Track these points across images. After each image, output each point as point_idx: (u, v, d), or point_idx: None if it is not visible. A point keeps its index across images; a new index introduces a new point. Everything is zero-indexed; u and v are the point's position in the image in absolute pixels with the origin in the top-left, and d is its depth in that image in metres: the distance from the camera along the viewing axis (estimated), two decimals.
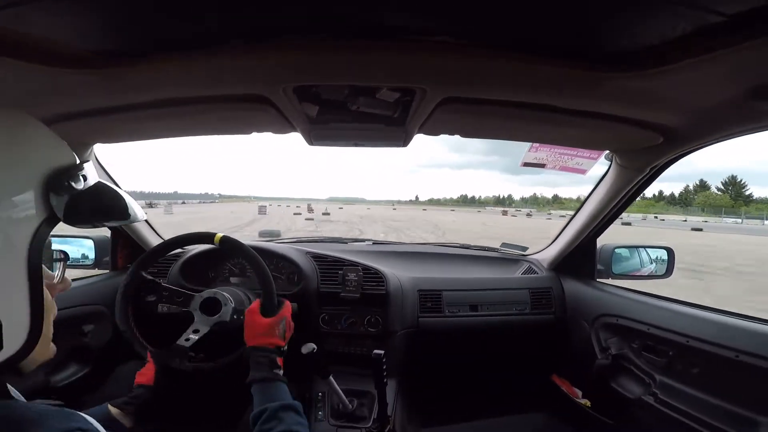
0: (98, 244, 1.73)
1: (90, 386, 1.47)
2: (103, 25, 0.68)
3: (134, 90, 0.90)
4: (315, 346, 1.16)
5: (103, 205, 0.64)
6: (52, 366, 1.40)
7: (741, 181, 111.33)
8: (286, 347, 1.06)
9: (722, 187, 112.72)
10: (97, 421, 0.90)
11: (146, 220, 1.77)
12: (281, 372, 0.99)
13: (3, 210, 0.48)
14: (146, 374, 1.08)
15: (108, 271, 1.74)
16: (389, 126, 1.10)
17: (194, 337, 1.15)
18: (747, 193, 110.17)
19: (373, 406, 1.41)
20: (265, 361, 0.98)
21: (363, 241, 2.27)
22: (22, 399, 0.59)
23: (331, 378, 1.25)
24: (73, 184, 0.56)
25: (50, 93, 0.88)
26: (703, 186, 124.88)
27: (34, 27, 0.66)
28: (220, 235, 1.22)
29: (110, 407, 0.96)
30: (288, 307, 1.12)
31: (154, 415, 1.06)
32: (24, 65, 0.72)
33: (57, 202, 0.54)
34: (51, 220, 0.53)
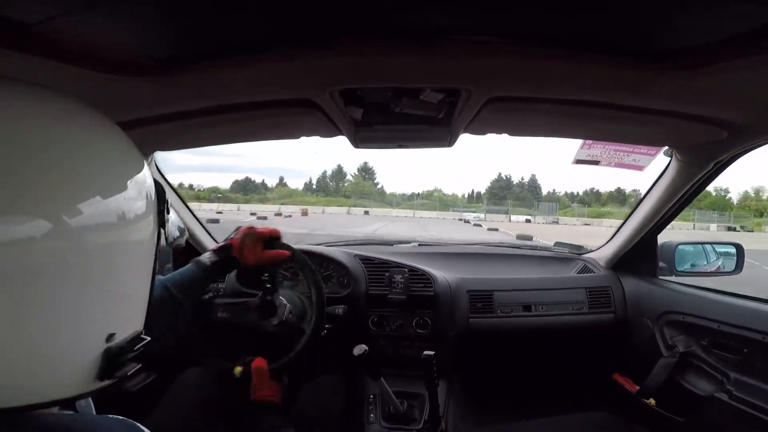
0: (159, 252, 1.82)
1: (158, 391, 1.51)
2: (158, 32, 0.70)
3: (188, 97, 0.92)
4: (366, 348, 1.18)
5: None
6: None
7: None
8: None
9: None
10: (185, 281, 0.97)
11: (203, 225, 1.84)
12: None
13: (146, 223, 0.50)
14: (253, 254, 1.10)
15: None
16: (434, 126, 1.09)
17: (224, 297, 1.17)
18: None
19: (424, 407, 1.42)
20: (272, 413, 1.03)
21: (409, 242, 2.27)
22: (92, 410, 0.60)
23: (382, 379, 1.25)
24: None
25: (109, 101, 0.88)
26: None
27: (93, 35, 0.67)
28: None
29: None
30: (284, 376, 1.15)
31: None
32: (83, 72, 0.73)
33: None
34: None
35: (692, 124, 1.01)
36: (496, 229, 25.10)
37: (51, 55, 0.67)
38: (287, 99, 0.96)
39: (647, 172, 1.51)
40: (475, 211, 47.22)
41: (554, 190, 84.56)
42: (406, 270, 1.66)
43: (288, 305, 1.25)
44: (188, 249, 1.83)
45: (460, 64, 0.78)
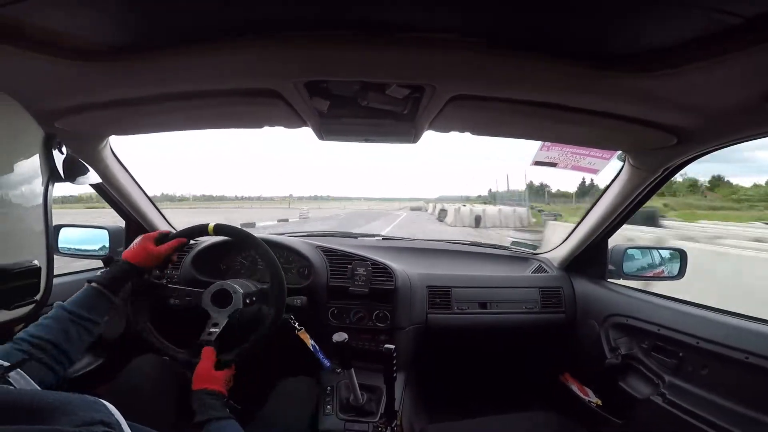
0: (112, 235, 1.74)
1: (104, 377, 1.48)
2: (116, 18, 0.70)
3: (147, 83, 0.91)
4: (346, 336, 1.19)
5: None
6: None
7: None
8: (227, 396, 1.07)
9: None
10: (84, 299, 0.97)
11: (159, 210, 1.82)
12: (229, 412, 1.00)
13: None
14: (144, 253, 1.13)
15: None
16: (399, 122, 1.11)
17: (216, 330, 1.17)
18: None
19: (380, 400, 1.41)
20: (217, 402, 0.99)
21: (373, 236, 2.27)
22: (31, 384, 0.60)
23: (352, 370, 1.26)
24: None
25: (65, 85, 0.89)
26: None
27: (50, 20, 0.67)
28: (212, 225, 1.25)
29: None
30: (232, 370, 1.14)
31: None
32: (40, 57, 0.73)
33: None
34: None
35: (644, 129, 1.03)
36: None
37: (5, 41, 0.67)
38: (250, 89, 0.95)
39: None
40: None
41: None
42: (368, 263, 1.65)
43: (245, 294, 1.24)
44: (143, 233, 1.76)
45: (424, 60, 0.79)
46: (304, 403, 1.32)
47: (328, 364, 1.35)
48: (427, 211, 48.54)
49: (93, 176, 0.76)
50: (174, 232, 1.28)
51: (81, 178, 0.69)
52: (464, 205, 33.09)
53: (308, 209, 41.42)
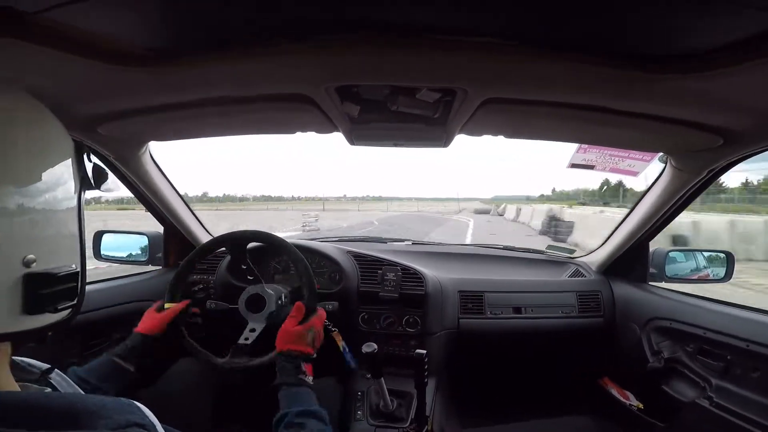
0: (152, 241, 1.78)
1: (144, 382, 1.49)
2: (154, 22, 0.70)
3: (183, 88, 0.92)
4: (376, 346, 1.19)
5: None
6: None
7: None
8: (315, 355, 1.07)
9: None
10: (98, 368, 0.98)
11: (195, 216, 1.85)
12: (308, 378, 1.00)
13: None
14: (150, 322, 1.13)
15: (161, 267, 1.81)
16: (430, 126, 1.09)
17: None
18: None
19: (411, 406, 1.40)
20: (291, 366, 0.99)
21: (403, 241, 2.27)
22: (73, 387, 0.62)
23: (382, 379, 1.26)
24: None
25: (106, 90, 0.90)
26: None
27: (91, 23, 0.68)
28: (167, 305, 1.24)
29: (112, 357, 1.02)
30: (321, 316, 1.15)
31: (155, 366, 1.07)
32: (82, 61, 0.74)
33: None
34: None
35: (688, 130, 1.00)
36: None
37: (52, 44, 0.68)
38: (283, 93, 0.95)
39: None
40: None
41: None
42: (398, 268, 1.65)
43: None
44: (181, 240, 1.83)
45: (455, 63, 0.78)
46: (330, 406, 1.33)
47: (354, 365, 1.34)
48: (502, 215, 35.93)
49: (114, 183, 0.76)
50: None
51: (104, 186, 0.69)
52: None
53: (316, 215, 30.94)
